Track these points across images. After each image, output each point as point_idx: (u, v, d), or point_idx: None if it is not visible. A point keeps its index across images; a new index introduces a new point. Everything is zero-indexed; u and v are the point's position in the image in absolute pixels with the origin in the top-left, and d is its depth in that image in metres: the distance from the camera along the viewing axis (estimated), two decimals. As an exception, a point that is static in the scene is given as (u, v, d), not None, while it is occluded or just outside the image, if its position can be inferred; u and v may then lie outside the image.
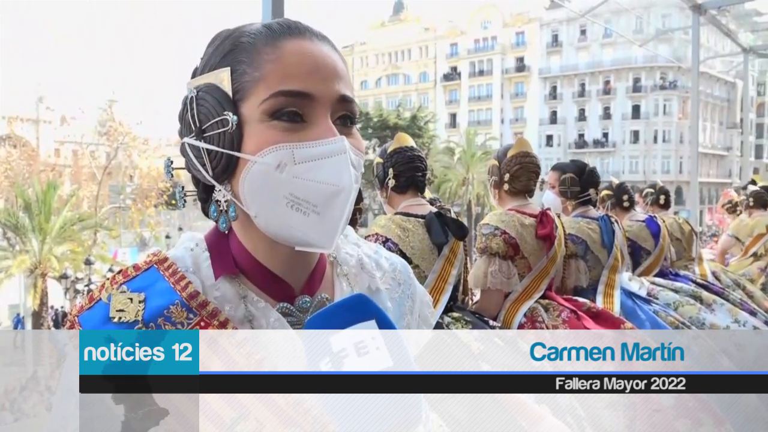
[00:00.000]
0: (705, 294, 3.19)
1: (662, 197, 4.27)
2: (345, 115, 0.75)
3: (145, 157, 27.33)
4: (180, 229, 28.51)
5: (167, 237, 25.77)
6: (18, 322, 20.77)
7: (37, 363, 16.77)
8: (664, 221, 3.81)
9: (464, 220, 2.62)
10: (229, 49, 0.74)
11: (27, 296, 17.77)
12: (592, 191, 3.04)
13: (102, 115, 29.83)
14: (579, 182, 3.04)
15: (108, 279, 0.78)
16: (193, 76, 0.78)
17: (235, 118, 0.71)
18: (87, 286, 16.44)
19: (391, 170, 2.29)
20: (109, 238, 22.96)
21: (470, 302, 2.54)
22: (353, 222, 2.35)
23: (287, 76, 0.71)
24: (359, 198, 2.41)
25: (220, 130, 0.72)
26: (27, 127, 31.10)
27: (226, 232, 0.79)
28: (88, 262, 17.95)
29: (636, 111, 49.16)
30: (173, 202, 0.90)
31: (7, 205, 22.13)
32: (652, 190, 4.37)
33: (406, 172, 2.28)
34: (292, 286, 0.80)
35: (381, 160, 2.35)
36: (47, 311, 17.75)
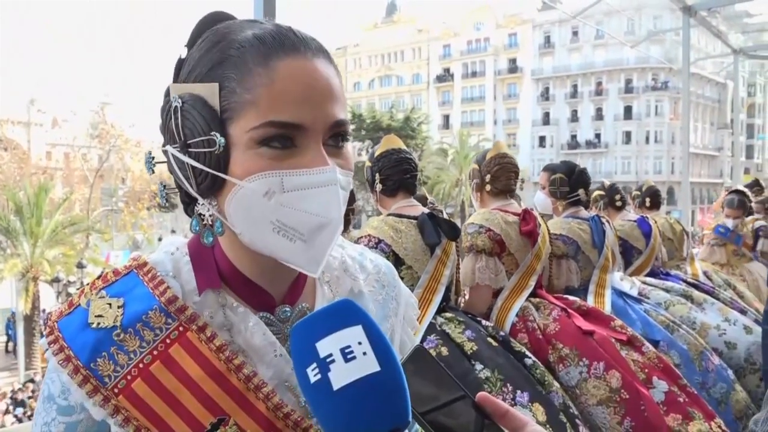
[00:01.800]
0: (695, 293, 3.21)
1: (648, 199, 4.29)
2: (337, 135, 0.73)
3: (137, 160, 27.23)
4: (173, 231, 28.39)
5: (160, 239, 25.65)
6: (9, 326, 20.64)
7: (29, 367, 16.66)
8: (655, 221, 3.84)
9: (457, 221, 2.60)
10: (217, 60, 0.70)
11: (19, 300, 17.63)
12: (581, 192, 3.04)
13: (94, 118, 29.69)
14: (568, 183, 3.05)
15: (88, 284, 0.77)
16: (176, 71, 0.75)
17: (223, 140, 0.68)
18: (79, 289, 16.32)
19: (378, 174, 2.29)
20: (101, 241, 22.84)
21: (462, 302, 2.55)
22: (346, 223, 2.36)
23: (279, 104, 0.67)
24: (352, 199, 2.42)
25: (206, 150, 0.69)
26: (18, 129, 30.92)
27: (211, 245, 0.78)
28: (80, 266, 17.88)
29: (628, 112, 49.38)
30: (166, 204, 0.88)
31: (-2, 208, 21.96)
32: (638, 193, 4.41)
33: (393, 176, 2.28)
34: (273, 295, 0.79)
35: (369, 164, 2.35)
36: (39, 315, 17.63)
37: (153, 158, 0.76)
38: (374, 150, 2.38)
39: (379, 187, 2.29)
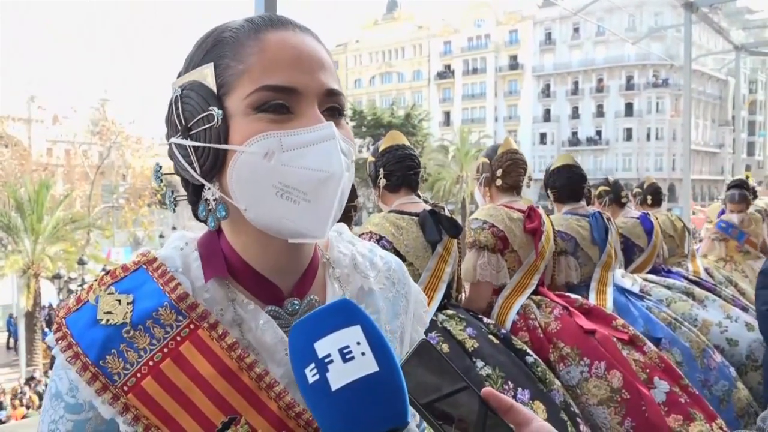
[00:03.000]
0: (697, 290, 3.20)
1: (649, 197, 4.29)
2: (333, 107, 0.73)
3: (138, 157, 27.20)
4: (174, 228, 28.37)
5: (161, 236, 25.64)
6: (10, 323, 20.67)
7: (30, 364, 16.69)
8: (657, 218, 3.83)
9: (458, 218, 2.59)
10: (211, 45, 0.73)
11: (20, 296, 17.65)
12: (550, 192, 3.03)
13: (94, 115, 29.69)
14: (546, 181, 3.07)
15: (96, 280, 0.76)
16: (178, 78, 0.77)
17: (221, 112, 0.69)
18: (80, 285, 16.34)
19: (381, 170, 2.28)
20: (102, 237, 22.85)
21: (463, 299, 2.54)
22: (348, 220, 2.35)
23: (271, 68, 0.69)
24: (354, 195, 2.40)
25: (206, 126, 0.70)
26: (19, 126, 30.88)
27: (216, 232, 0.78)
28: (81, 262, 17.87)
29: (629, 109, 49.34)
30: (174, 211, 0.88)
31: (-1, 205, 21.96)
32: (639, 190, 4.40)
33: (397, 171, 2.27)
34: (282, 288, 0.78)
35: (373, 159, 2.34)
36: (40, 311, 17.65)
37: (160, 168, 0.77)
38: (378, 145, 2.36)
39: (382, 182, 2.28)
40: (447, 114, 55.66)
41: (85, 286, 0.76)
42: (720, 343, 2.89)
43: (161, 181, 0.77)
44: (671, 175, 44.49)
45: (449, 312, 2.18)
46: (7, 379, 15.97)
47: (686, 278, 3.58)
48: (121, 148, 27.62)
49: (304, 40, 0.73)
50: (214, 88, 0.71)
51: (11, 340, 20.54)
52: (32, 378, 14.42)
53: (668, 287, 3.18)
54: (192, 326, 0.71)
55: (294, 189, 0.68)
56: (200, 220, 0.77)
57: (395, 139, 2.35)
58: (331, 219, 0.70)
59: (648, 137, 48.37)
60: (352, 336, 0.59)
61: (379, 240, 2.14)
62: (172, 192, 0.77)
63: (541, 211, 2.55)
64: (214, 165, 0.71)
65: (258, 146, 0.68)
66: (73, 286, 17.39)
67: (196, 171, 0.72)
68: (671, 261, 3.93)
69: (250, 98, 0.69)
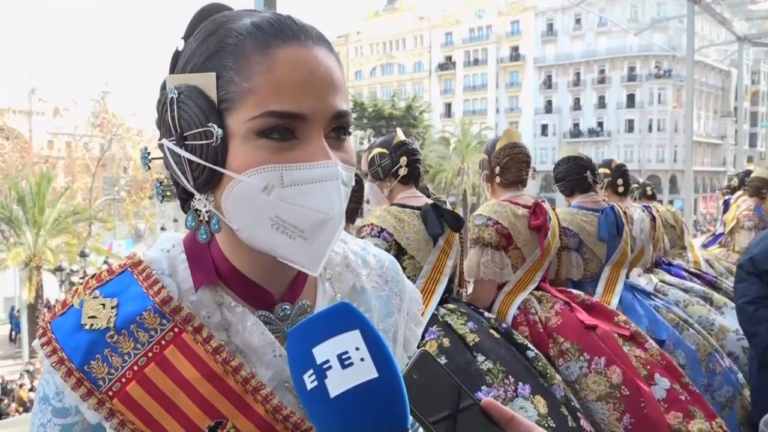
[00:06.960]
0: (716, 296, 3.13)
1: (648, 188, 4.27)
2: (339, 127, 0.70)
3: (139, 149, 27.10)
4: (175, 220, 28.43)
5: (162, 229, 25.69)
6: (12, 315, 20.74)
7: (33, 356, 16.76)
8: (658, 210, 3.82)
9: (459, 210, 2.59)
10: (214, 49, 0.68)
11: (22, 289, 17.70)
12: (557, 186, 3.02)
13: (95, 107, 29.64)
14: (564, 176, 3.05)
15: (81, 283, 0.74)
16: (172, 63, 0.73)
17: (220, 131, 0.65)
18: (82, 278, 16.35)
19: (404, 158, 2.28)
20: (103, 230, 22.90)
21: (465, 293, 2.54)
22: (353, 216, 2.38)
23: (279, 93, 0.65)
24: (361, 196, 2.42)
25: (203, 142, 0.66)
26: (19, 118, 30.85)
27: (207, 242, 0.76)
28: (83, 255, 17.93)
29: (631, 100, 49.18)
30: (168, 193, 0.86)
31: (0, 197, 21.99)
32: (637, 185, 4.37)
33: (412, 164, 2.30)
34: (272, 293, 0.76)
35: (385, 151, 2.32)
36: (42, 304, 17.71)
37: (149, 153, 0.74)
38: (390, 138, 2.39)
39: (403, 170, 2.28)
40: (448, 105, 55.49)
41: (71, 290, 0.75)
42: (735, 350, 2.84)
43: (149, 168, 0.74)
44: (673, 167, 44.43)
45: (450, 306, 2.18)
46: (10, 371, 16.03)
47: (687, 270, 3.56)
48: (122, 140, 27.63)
49: (317, 56, 0.67)
50: (215, 101, 0.67)
51: (13, 333, 20.63)
52: (38, 370, 14.47)
53: (686, 290, 3.12)
54: (176, 330, 0.70)
55: (291, 225, 0.66)
56: (189, 229, 0.75)
57: (402, 135, 2.42)
58: (325, 257, 0.68)
59: (650, 128, 48.23)
60: (351, 341, 0.58)
61: (381, 232, 2.14)
62: (160, 183, 0.75)
63: (546, 206, 2.50)
64: (209, 181, 0.68)
65: (257, 178, 0.65)
66: (75, 279, 17.44)
67: (188, 181, 0.69)
68: (672, 253, 3.92)
69: (254, 122, 0.65)
